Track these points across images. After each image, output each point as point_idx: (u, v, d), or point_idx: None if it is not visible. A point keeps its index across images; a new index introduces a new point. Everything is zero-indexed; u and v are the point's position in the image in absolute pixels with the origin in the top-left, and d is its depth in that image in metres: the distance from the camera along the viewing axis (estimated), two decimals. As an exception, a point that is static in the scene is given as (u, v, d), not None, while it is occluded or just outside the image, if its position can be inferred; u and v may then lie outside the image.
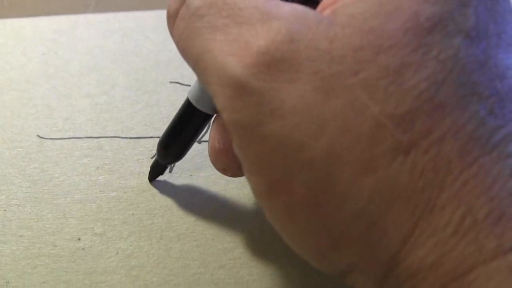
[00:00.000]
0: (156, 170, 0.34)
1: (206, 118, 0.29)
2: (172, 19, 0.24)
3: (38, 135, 0.37)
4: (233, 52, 0.20)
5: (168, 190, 0.34)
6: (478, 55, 0.20)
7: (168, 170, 0.35)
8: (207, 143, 0.36)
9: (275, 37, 0.20)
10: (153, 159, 0.35)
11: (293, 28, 0.20)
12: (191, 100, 0.29)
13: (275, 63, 0.20)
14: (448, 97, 0.19)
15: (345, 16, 0.20)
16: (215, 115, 0.28)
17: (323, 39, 0.20)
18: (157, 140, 0.35)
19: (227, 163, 0.27)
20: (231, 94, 0.21)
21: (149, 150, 0.36)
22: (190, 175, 0.35)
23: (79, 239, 0.32)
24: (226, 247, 0.31)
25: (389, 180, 0.19)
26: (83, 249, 0.31)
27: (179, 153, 0.32)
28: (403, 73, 0.19)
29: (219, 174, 0.34)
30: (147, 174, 0.35)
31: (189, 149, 0.32)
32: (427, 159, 0.19)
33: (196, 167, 0.35)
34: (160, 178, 0.35)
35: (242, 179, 0.34)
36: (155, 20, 0.46)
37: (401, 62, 0.19)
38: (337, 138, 0.19)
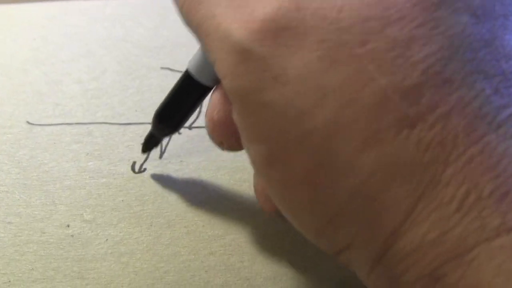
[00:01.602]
0: (150, 142, 0.33)
1: (204, 91, 0.28)
2: None
3: (27, 121, 0.37)
4: (238, 18, 0.20)
5: (158, 176, 0.34)
6: (484, 34, 0.20)
7: (158, 156, 0.35)
8: (198, 129, 0.36)
9: (281, 4, 0.20)
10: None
11: None
12: (191, 72, 0.28)
13: (281, 30, 0.20)
14: (455, 73, 0.19)
15: None
16: (213, 88, 0.28)
17: (330, 9, 0.19)
18: (148, 126, 0.35)
19: (224, 135, 0.26)
20: (234, 60, 0.20)
21: (140, 136, 0.36)
22: (181, 161, 0.35)
23: (68, 225, 0.31)
24: (217, 234, 0.31)
25: (393, 154, 0.19)
26: (72, 236, 0.31)
27: (175, 126, 0.31)
28: (411, 47, 0.19)
29: (210, 160, 0.34)
30: (137, 160, 0.34)
31: (185, 122, 0.31)
32: (433, 134, 0.19)
33: (187, 153, 0.35)
34: (151, 164, 0.34)
35: (233, 165, 0.34)
36: (147, 6, 0.45)
37: (410, 35, 0.19)
38: (341, 109, 0.19)
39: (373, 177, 0.19)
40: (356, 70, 0.19)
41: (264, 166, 0.22)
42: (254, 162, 0.22)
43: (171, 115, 0.31)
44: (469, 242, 0.18)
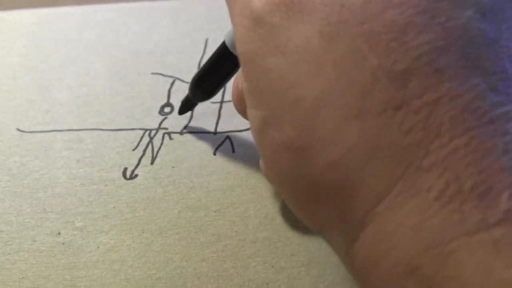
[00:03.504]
0: (186, 105, 0.36)
1: (237, 62, 0.29)
2: None
3: (18, 128, 0.37)
4: None
5: (150, 182, 0.34)
6: (489, 32, 0.20)
7: (150, 161, 0.34)
8: (189, 134, 0.36)
9: None
10: (134, 151, 0.34)
11: None
12: (227, 43, 0.30)
13: (292, 4, 0.21)
14: (448, 64, 0.19)
15: None
16: None
17: None
18: (139, 132, 0.36)
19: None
20: (247, 26, 0.22)
21: (131, 142, 0.36)
22: (172, 167, 0.34)
23: (59, 233, 0.31)
24: (209, 240, 0.31)
25: (375, 131, 0.20)
26: (63, 243, 0.31)
27: (210, 93, 0.34)
28: (407, 32, 0.20)
29: (202, 166, 0.34)
30: (129, 167, 0.34)
31: (219, 90, 0.34)
32: (417, 119, 0.19)
33: (179, 159, 0.35)
34: (142, 170, 0.34)
35: (225, 170, 0.34)
36: (136, 11, 0.45)
37: (407, 21, 0.20)
38: (332, 81, 0.20)
39: (353, 150, 0.20)
40: (351, 48, 0.20)
41: (258, 130, 0.23)
42: (252, 128, 0.24)
43: (206, 82, 0.33)
44: (447, 234, 0.18)
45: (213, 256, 0.30)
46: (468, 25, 0.20)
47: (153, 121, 0.37)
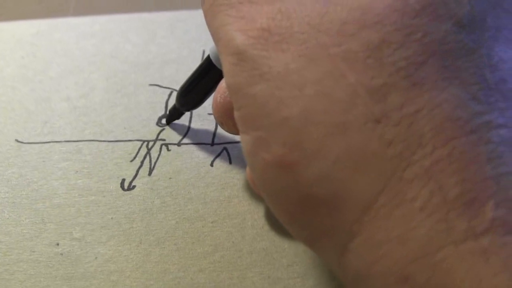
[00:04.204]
0: (173, 114, 0.38)
1: (221, 75, 0.31)
2: None
3: (16, 140, 0.37)
4: (241, 28, 0.23)
5: (148, 193, 0.34)
6: (468, 43, 0.20)
7: (147, 173, 0.35)
8: (187, 145, 0.36)
9: (275, 16, 0.22)
10: (132, 162, 0.35)
11: (291, 8, 0.22)
12: (211, 57, 0.32)
13: (271, 36, 0.22)
14: (426, 77, 0.20)
15: None
16: None
17: (315, 15, 0.22)
18: (136, 143, 0.36)
19: (224, 116, 0.31)
20: (232, 61, 0.23)
21: (128, 153, 0.36)
22: (170, 178, 0.35)
23: (58, 244, 0.31)
24: (206, 251, 0.31)
25: (357, 143, 0.20)
26: (61, 254, 0.31)
27: (195, 103, 0.35)
28: (383, 49, 0.20)
29: (199, 177, 0.34)
30: (126, 178, 0.34)
31: (204, 100, 0.35)
32: (398, 131, 0.20)
33: (176, 170, 0.35)
34: (140, 181, 0.34)
35: (222, 181, 0.34)
36: (135, 22, 0.46)
37: (383, 39, 0.20)
38: (314, 100, 0.21)
39: (338, 163, 0.20)
40: (330, 68, 0.21)
41: (250, 152, 0.23)
42: (244, 151, 0.24)
43: (192, 92, 0.35)
44: (434, 243, 0.18)
45: (210, 267, 0.30)
46: (446, 39, 0.20)
47: (150, 132, 0.37)
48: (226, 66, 0.23)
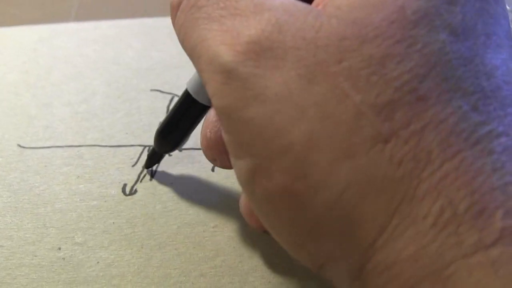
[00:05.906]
0: (153, 159, 0.35)
1: (203, 109, 0.29)
2: (174, 10, 0.24)
3: (18, 144, 0.37)
4: (226, 42, 0.21)
5: (149, 198, 0.34)
6: (464, 52, 0.20)
7: (149, 178, 0.35)
8: (189, 150, 0.36)
9: (264, 27, 0.21)
10: (134, 167, 0.35)
11: (282, 19, 0.21)
12: (190, 91, 0.29)
13: (263, 51, 0.20)
14: (430, 90, 0.19)
15: (333, 7, 0.21)
16: (212, 107, 0.28)
17: (309, 29, 0.20)
18: (138, 148, 0.36)
19: (217, 152, 0.28)
20: (220, 80, 0.21)
21: (130, 158, 0.36)
22: (171, 183, 0.35)
23: (60, 248, 0.32)
24: (208, 255, 0.31)
25: (367, 168, 0.19)
26: (63, 258, 0.31)
27: (176, 143, 0.32)
28: (386, 64, 0.19)
29: (200, 182, 0.34)
30: (128, 183, 0.34)
31: (186, 139, 0.32)
32: (407, 149, 0.19)
33: (177, 175, 0.35)
34: (141, 186, 0.34)
35: (223, 187, 0.34)
36: (136, 28, 0.46)
37: (385, 53, 0.19)
38: (317, 124, 0.20)
39: (348, 190, 0.19)
40: (332, 87, 0.19)
41: (247, 181, 0.22)
42: (238, 178, 0.23)
43: (171, 133, 0.32)
44: (446, 258, 0.18)
45: (211, 272, 0.31)
46: (444, 49, 0.20)
47: (152, 137, 0.37)
48: (212, 87, 0.22)
